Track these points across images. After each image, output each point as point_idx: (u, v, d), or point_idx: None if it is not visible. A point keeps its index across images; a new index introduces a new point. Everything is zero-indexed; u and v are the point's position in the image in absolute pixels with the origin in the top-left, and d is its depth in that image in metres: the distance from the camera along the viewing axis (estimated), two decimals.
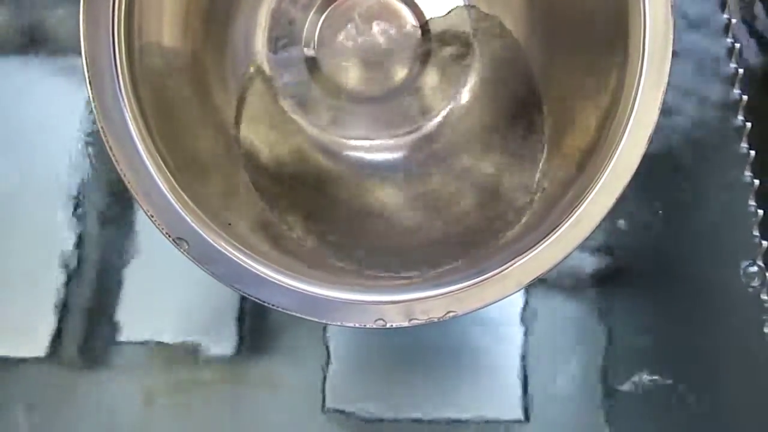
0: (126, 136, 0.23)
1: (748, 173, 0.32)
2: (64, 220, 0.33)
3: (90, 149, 0.34)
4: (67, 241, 0.33)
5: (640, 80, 0.23)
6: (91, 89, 0.23)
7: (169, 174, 0.24)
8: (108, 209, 0.33)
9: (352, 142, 0.31)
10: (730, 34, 0.34)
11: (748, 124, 0.32)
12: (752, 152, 0.32)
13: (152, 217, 0.23)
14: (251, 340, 0.32)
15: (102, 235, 0.33)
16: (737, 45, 0.33)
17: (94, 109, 0.23)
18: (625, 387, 0.31)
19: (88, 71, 0.23)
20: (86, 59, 0.23)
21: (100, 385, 0.32)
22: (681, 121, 0.33)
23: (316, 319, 0.23)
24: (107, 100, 0.23)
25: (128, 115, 0.23)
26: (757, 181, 0.32)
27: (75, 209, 0.34)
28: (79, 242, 0.33)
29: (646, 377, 0.31)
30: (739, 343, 0.30)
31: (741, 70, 0.33)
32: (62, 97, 0.34)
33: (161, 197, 0.23)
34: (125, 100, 0.23)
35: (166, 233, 0.23)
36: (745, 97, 0.33)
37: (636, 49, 0.23)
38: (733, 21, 0.34)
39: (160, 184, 0.23)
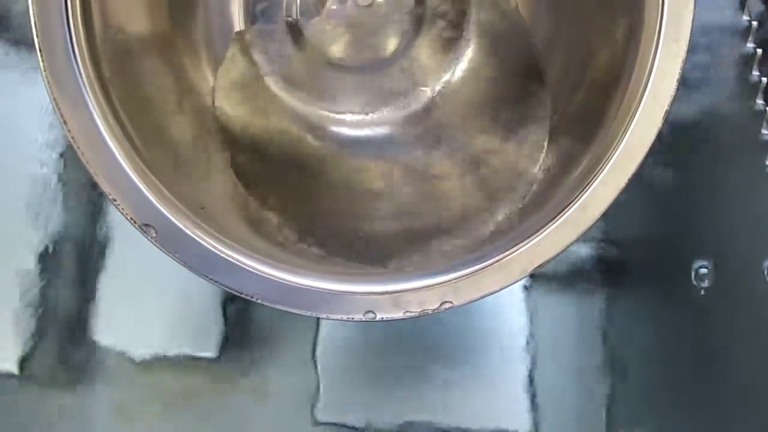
0: (83, 108, 0.21)
1: None
2: (35, 226, 0.32)
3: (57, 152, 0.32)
4: (39, 247, 0.31)
5: (657, 48, 0.22)
6: (42, 57, 0.21)
7: (133, 151, 0.22)
8: (80, 214, 0.32)
9: (339, 117, 0.29)
10: (746, 11, 0.31)
11: None
12: None
13: (115, 201, 0.21)
14: (236, 346, 0.31)
15: (76, 241, 0.31)
16: (754, 23, 0.31)
17: (44, 79, 0.21)
18: (633, 393, 0.30)
19: (37, 37, 0.21)
20: (36, 25, 0.21)
21: (75, 398, 0.30)
22: (694, 102, 0.31)
23: (300, 312, 0.22)
24: (60, 69, 0.21)
25: (84, 85, 0.21)
26: None
27: (48, 213, 0.32)
28: (52, 249, 0.31)
29: (655, 382, 0.30)
30: (761, 347, 0.28)
31: (759, 51, 0.30)
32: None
33: (124, 178, 0.21)
34: (81, 69, 0.21)
35: (131, 219, 0.21)
36: (765, 80, 0.30)
37: (652, 14, 0.22)
38: None
39: (123, 163, 0.21)
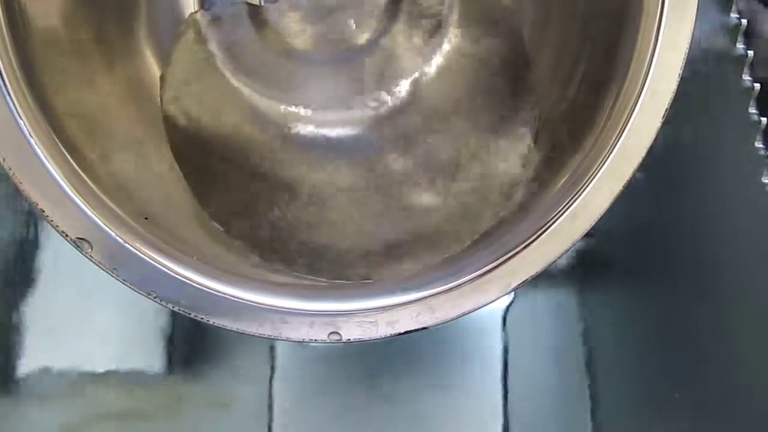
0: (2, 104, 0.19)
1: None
2: None
3: None
4: None
5: (658, 38, 0.20)
6: None
7: (66, 154, 0.20)
8: (14, 222, 0.30)
9: (302, 113, 0.28)
10: (734, 9, 0.29)
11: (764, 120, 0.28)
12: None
13: (43, 211, 0.19)
14: (187, 358, 0.30)
15: (4, 249, 0.30)
16: (743, 21, 0.29)
17: None
18: (615, 400, 0.29)
19: None
20: None
21: (24, 418, 0.29)
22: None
23: (257, 333, 0.20)
24: None
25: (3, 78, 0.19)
26: None
27: None
28: None
29: (636, 388, 0.29)
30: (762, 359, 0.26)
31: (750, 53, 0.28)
32: None
33: (54, 185, 0.19)
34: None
35: (63, 232, 0.20)
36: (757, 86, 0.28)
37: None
38: None
39: (52, 168, 0.19)
